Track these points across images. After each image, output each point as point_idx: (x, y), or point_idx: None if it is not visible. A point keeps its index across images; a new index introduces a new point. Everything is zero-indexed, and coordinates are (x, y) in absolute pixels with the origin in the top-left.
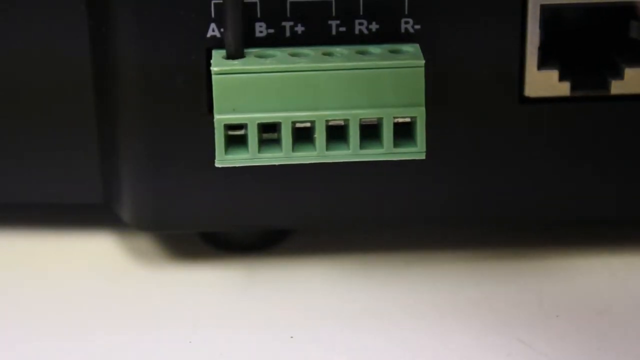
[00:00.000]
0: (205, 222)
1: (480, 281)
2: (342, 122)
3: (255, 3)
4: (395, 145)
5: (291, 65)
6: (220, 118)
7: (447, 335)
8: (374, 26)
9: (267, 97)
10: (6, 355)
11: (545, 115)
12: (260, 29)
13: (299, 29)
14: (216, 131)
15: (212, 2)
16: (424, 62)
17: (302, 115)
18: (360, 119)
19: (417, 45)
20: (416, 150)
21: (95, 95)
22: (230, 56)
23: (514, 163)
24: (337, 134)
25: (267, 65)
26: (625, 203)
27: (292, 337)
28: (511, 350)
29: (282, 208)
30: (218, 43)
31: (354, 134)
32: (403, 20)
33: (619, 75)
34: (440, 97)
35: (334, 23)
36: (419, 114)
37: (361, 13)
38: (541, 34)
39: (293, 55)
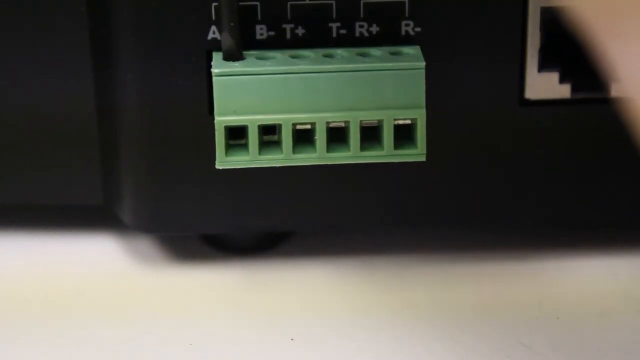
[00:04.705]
0: (206, 223)
1: (480, 282)
2: (342, 124)
3: (255, 5)
4: (396, 147)
5: (292, 67)
6: (221, 120)
7: (447, 336)
8: (374, 28)
9: (268, 99)
10: (7, 355)
11: (545, 117)
12: (261, 31)
13: (300, 31)
14: (217, 133)
15: (213, 4)
16: (424, 64)
17: (303, 117)
18: (361, 121)
19: (418, 47)
20: (416, 152)
21: (96, 96)
22: (229, 58)
23: (515, 165)
24: (337, 135)
25: (268, 67)
26: (625, 205)
27: (292, 339)
28: (511, 352)
29: (282, 210)
30: (219, 45)
31: (354, 135)
32: (404, 22)
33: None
34: (440, 99)
35: (334, 25)
36: (420, 116)
37: (362, 15)
38: (541, 36)
39: (293, 57)
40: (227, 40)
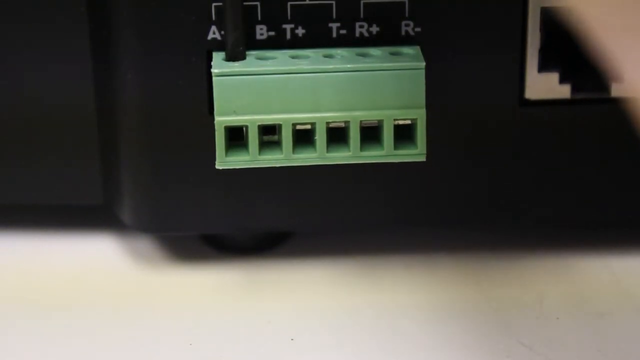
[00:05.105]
0: (206, 223)
1: (480, 282)
2: (342, 124)
3: (256, 5)
4: (396, 147)
5: (292, 67)
6: (221, 120)
7: (447, 336)
8: (374, 28)
9: (268, 99)
10: (6, 356)
11: (545, 117)
12: (261, 32)
13: (300, 31)
14: (217, 133)
15: (213, 4)
16: (424, 64)
17: (303, 117)
18: (361, 121)
19: (418, 48)
20: (416, 152)
21: (96, 97)
22: (230, 58)
23: (515, 165)
24: (337, 135)
25: (268, 67)
26: (625, 205)
27: (292, 339)
28: (511, 352)
29: (282, 210)
30: (218, 45)
31: (354, 135)
32: (404, 22)
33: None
34: (440, 99)
35: (334, 25)
36: (420, 116)
37: (362, 15)
38: (541, 36)
39: (294, 57)
40: (231, 40)
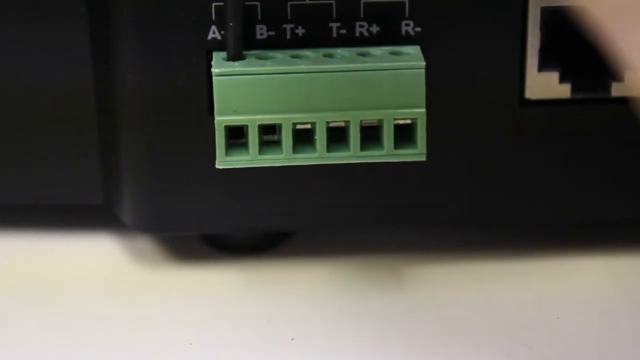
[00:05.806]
0: (206, 223)
1: (480, 282)
2: (342, 124)
3: (256, 5)
4: (396, 146)
5: (292, 67)
6: (221, 119)
7: (447, 336)
8: (374, 28)
9: (268, 99)
10: (5, 356)
11: (545, 117)
12: (261, 31)
13: (300, 31)
14: (217, 132)
15: (213, 4)
16: (424, 63)
17: (303, 117)
18: (361, 121)
19: (418, 47)
20: (416, 152)
21: (96, 97)
22: (230, 58)
23: (515, 165)
24: (337, 135)
25: (268, 66)
26: (625, 205)
27: (292, 339)
28: (511, 352)
29: (282, 210)
30: (219, 45)
31: (354, 135)
32: (404, 22)
33: (620, 77)
34: (440, 98)
35: (334, 25)
36: (420, 116)
37: (362, 15)
38: (541, 36)
39: (294, 57)
40: (230, 40)
